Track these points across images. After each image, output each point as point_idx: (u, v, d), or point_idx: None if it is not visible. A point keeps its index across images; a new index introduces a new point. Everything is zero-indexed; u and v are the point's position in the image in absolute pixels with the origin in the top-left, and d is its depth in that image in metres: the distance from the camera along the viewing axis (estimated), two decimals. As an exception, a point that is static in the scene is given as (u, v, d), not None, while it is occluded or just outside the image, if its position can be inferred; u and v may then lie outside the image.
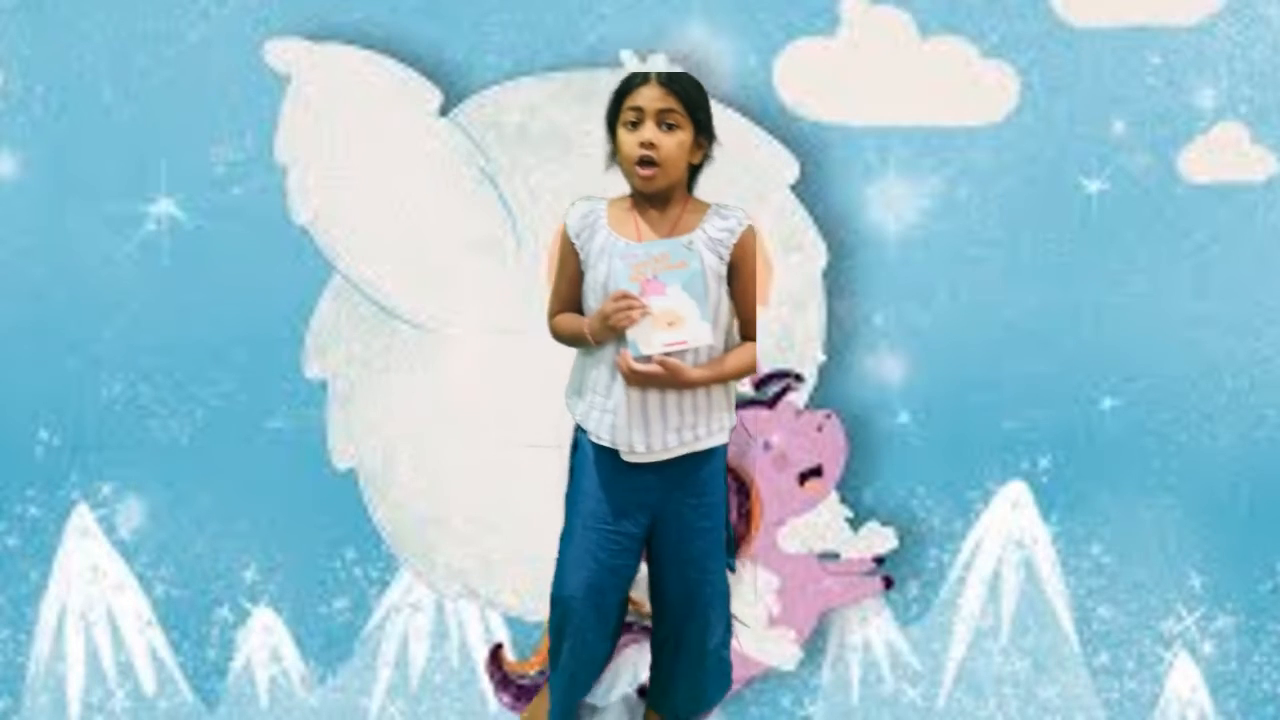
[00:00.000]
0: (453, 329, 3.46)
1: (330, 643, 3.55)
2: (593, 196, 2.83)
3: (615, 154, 2.80)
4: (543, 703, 3.28)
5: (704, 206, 2.78)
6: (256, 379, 3.49)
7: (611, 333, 2.70)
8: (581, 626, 2.84)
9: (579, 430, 2.88)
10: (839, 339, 3.46)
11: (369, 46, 3.41)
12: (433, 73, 3.42)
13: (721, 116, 3.36)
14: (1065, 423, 3.47)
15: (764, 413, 3.45)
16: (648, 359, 2.65)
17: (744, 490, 3.46)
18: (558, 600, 2.87)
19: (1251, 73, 3.41)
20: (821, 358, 3.46)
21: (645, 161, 2.69)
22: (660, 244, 2.69)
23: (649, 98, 2.71)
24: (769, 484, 3.47)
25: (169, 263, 3.47)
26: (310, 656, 3.55)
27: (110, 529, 3.53)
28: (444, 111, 3.42)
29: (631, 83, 2.75)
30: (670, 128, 2.70)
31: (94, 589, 3.54)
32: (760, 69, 3.41)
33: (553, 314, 2.88)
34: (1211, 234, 3.43)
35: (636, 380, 2.69)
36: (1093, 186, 3.43)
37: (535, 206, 3.42)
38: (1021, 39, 3.40)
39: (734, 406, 2.87)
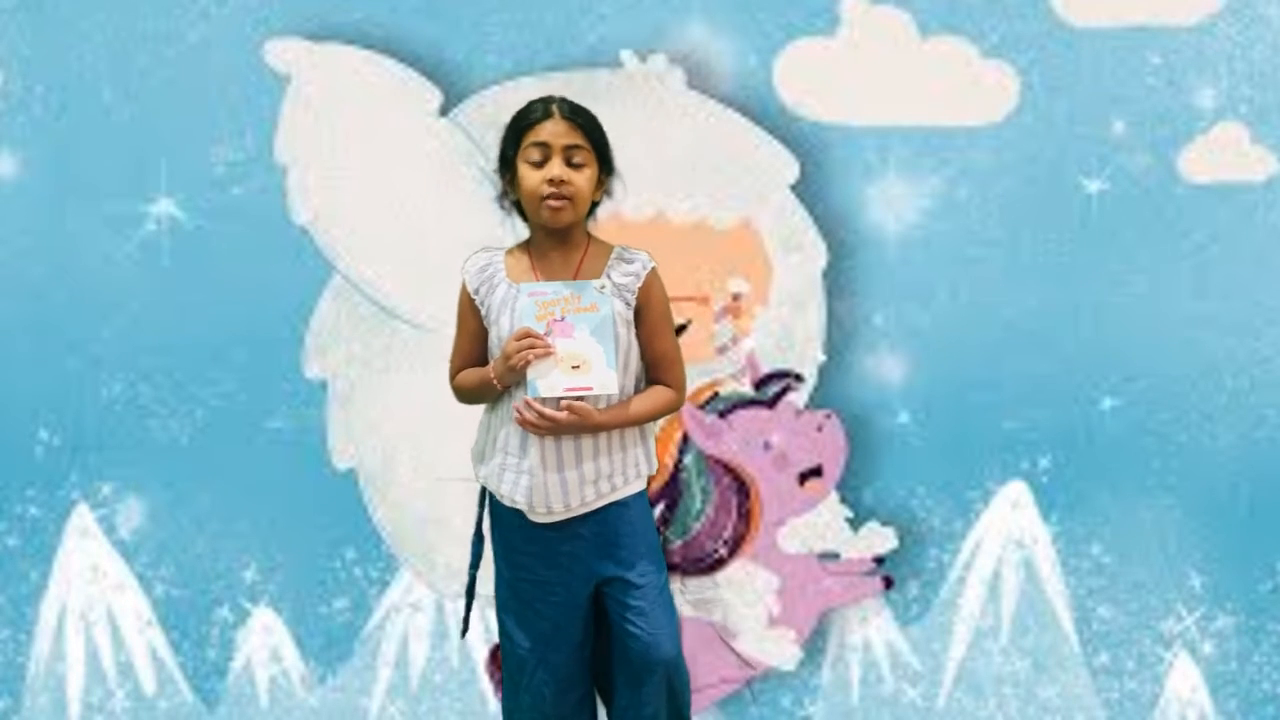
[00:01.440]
0: (453, 329, 3.46)
1: (330, 643, 3.55)
2: (489, 246, 2.76)
3: (509, 191, 2.69)
4: None
5: (606, 249, 2.68)
6: (256, 379, 3.49)
7: (515, 374, 2.57)
8: (536, 680, 2.74)
9: (487, 497, 2.75)
10: (839, 339, 3.46)
11: (369, 46, 3.41)
12: (433, 73, 3.42)
13: (721, 116, 3.38)
14: (1065, 423, 3.47)
15: (764, 413, 3.45)
16: (555, 402, 2.53)
17: (744, 490, 3.46)
18: (509, 654, 2.75)
19: (1251, 73, 3.41)
20: (821, 358, 3.46)
21: (555, 196, 2.58)
22: (572, 284, 2.58)
23: (554, 133, 2.59)
24: (769, 484, 3.47)
25: (169, 263, 3.47)
26: (310, 656, 3.55)
27: (110, 529, 3.53)
28: (444, 111, 3.43)
29: (531, 117, 2.62)
30: (576, 165, 2.60)
31: (94, 589, 3.54)
32: (760, 69, 3.41)
33: (454, 373, 2.75)
34: (1211, 234, 3.43)
35: (541, 428, 2.56)
36: (1093, 186, 3.43)
37: (535, 206, 3.41)
38: (1021, 39, 3.40)
39: (652, 451, 2.76)
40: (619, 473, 2.68)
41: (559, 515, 2.65)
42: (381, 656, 3.54)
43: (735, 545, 3.46)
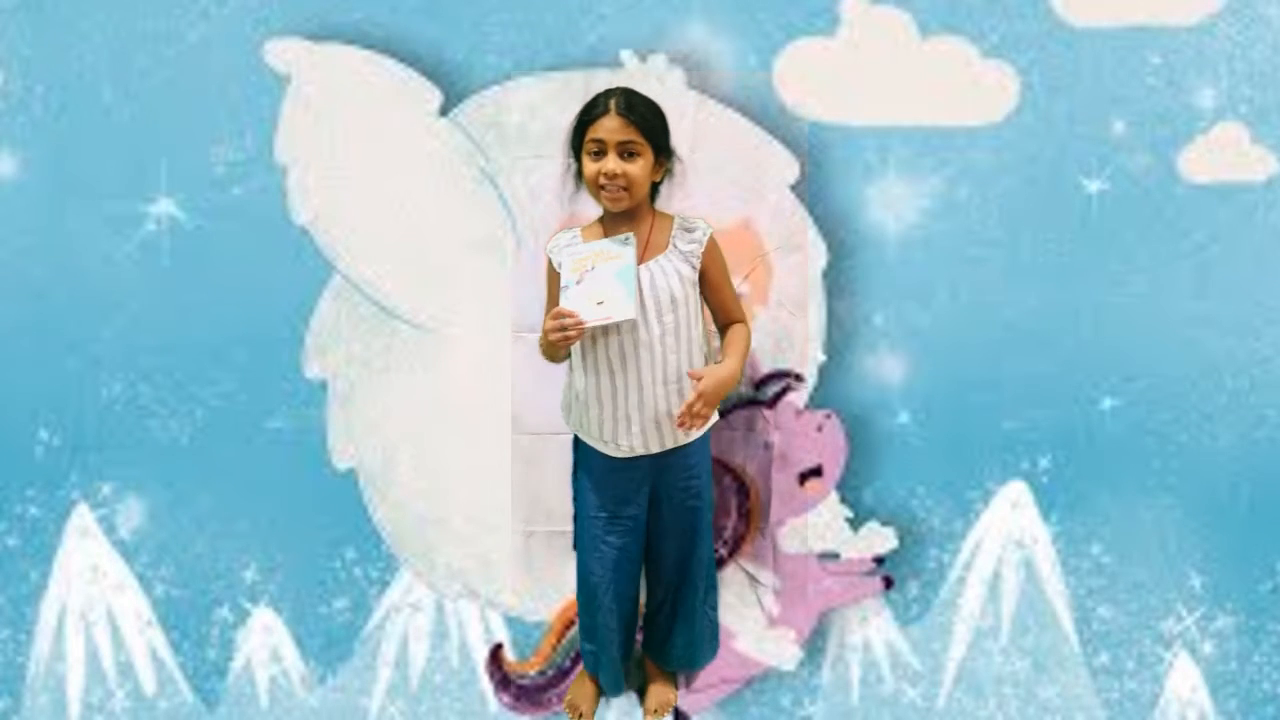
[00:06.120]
0: (453, 329, 3.46)
1: (330, 643, 3.55)
2: (570, 227, 3.11)
3: (580, 176, 3.04)
4: (582, 684, 3.42)
5: (669, 220, 3.05)
6: (256, 379, 3.49)
7: (552, 349, 3.00)
8: (605, 599, 3.15)
9: (574, 441, 3.15)
10: (839, 339, 3.46)
11: (369, 46, 3.41)
12: (433, 73, 3.42)
13: (721, 116, 3.38)
14: (1065, 423, 3.47)
15: (764, 413, 3.45)
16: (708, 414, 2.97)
17: (744, 490, 3.46)
18: (583, 581, 3.19)
19: (1251, 73, 3.41)
20: (821, 358, 3.46)
21: (610, 187, 2.95)
22: (600, 242, 2.96)
23: (609, 129, 2.93)
24: (769, 484, 3.47)
25: (169, 263, 3.47)
26: (310, 656, 3.55)
27: (110, 529, 3.53)
28: (444, 111, 3.42)
29: (593, 113, 2.96)
30: (631, 155, 2.94)
31: (94, 589, 3.54)
32: (760, 69, 3.41)
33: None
34: (1211, 234, 3.43)
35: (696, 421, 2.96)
36: (1093, 186, 3.43)
37: (535, 206, 3.42)
38: (1021, 39, 3.40)
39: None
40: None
41: (639, 452, 3.05)
42: (381, 656, 3.54)
43: (735, 545, 3.46)
